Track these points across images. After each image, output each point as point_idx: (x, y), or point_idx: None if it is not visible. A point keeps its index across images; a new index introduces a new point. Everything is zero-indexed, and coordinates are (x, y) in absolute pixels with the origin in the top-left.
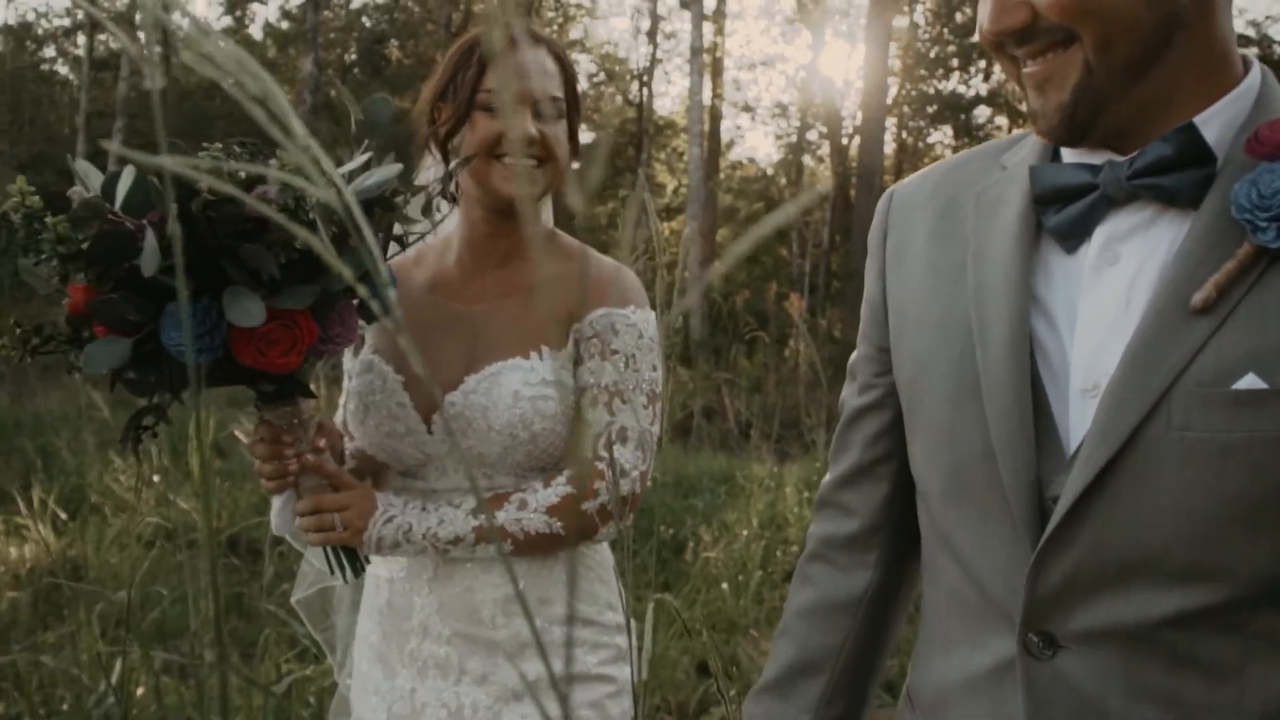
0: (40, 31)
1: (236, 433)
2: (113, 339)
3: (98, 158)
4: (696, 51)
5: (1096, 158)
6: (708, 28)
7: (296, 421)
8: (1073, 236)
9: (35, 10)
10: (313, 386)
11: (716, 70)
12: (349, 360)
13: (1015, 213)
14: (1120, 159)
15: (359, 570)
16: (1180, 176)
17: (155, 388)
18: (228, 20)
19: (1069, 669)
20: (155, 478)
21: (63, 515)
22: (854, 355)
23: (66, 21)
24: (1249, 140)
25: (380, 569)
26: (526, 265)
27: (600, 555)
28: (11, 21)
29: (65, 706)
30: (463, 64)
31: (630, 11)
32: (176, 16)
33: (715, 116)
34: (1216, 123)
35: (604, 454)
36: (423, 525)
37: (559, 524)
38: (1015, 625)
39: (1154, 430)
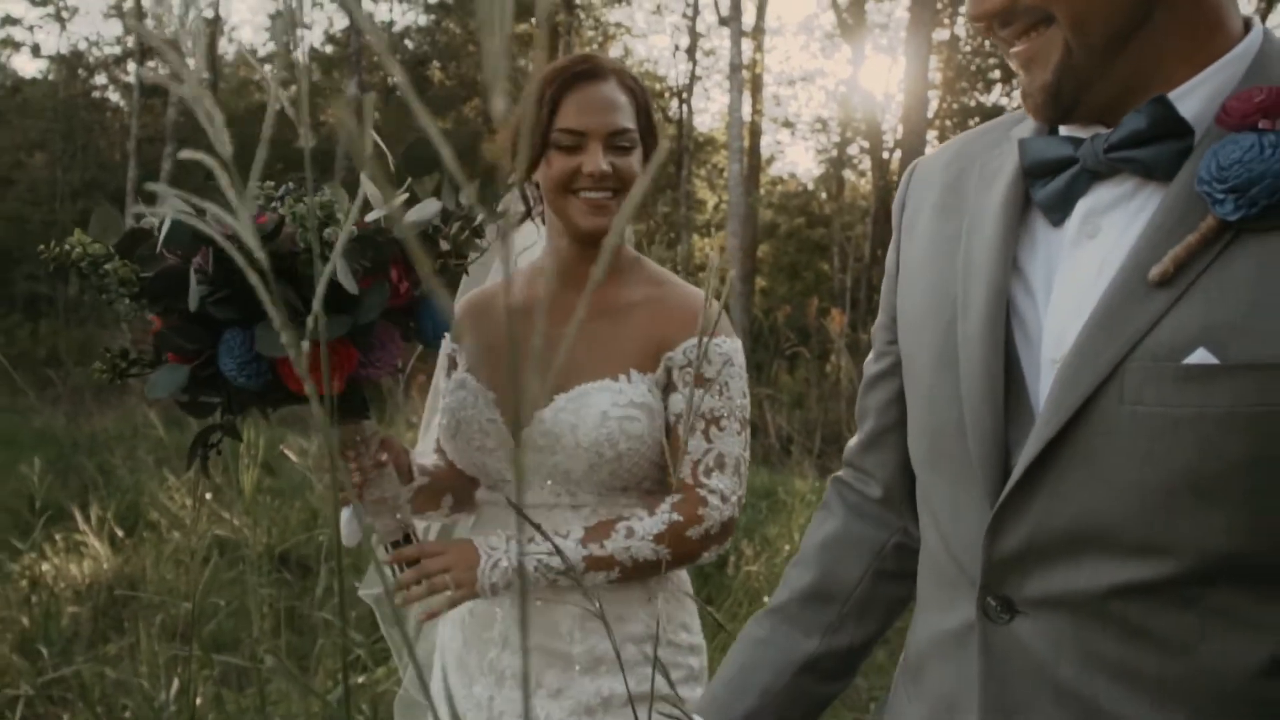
0: (91, 60)
1: (285, 451)
2: (174, 366)
3: (147, 181)
4: (736, 68)
5: (1088, 132)
6: (747, 44)
7: (358, 439)
8: (1057, 209)
9: (86, 39)
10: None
11: (756, 86)
12: (443, 378)
13: (1006, 185)
14: (1105, 132)
15: None
16: (1157, 149)
17: (215, 410)
18: (273, 46)
19: (1024, 634)
20: (208, 495)
21: (119, 532)
22: (875, 323)
23: (117, 49)
24: (1219, 112)
25: None
26: (614, 289)
27: (678, 576)
28: (64, 50)
29: (128, 715)
30: (536, 104)
31: (669, 29)
32: (224, 42)
33: (755, 132)
34: (1202, 92)
35: (704, 480)
36: (533, 559)
37: (666, 551)
38: (976, 589)
39: (1106, 402)
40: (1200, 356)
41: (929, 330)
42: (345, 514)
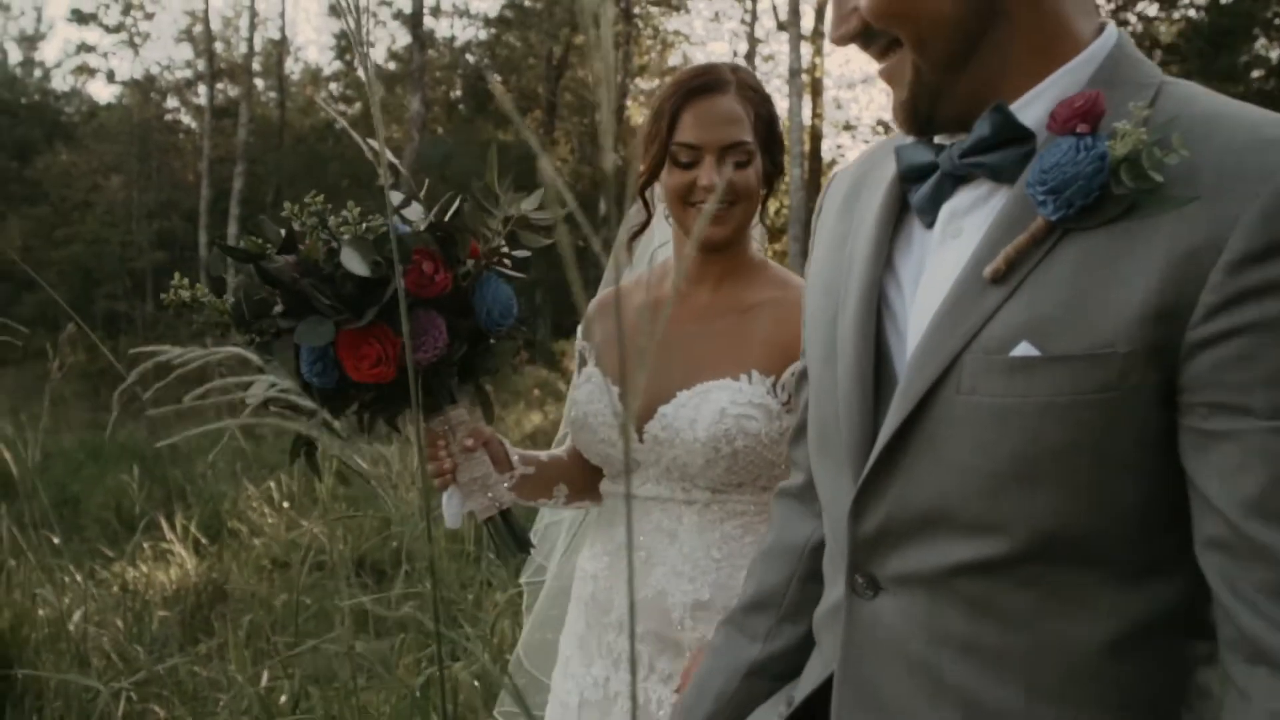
0: (163, 83)
1: (357, 460)
2: (320, 318)
3: (219, 200)
4: (795, 73)
5: (953, 139)
6: (806, 49)
7: (447, 428)
8: (927, 211)
9: (158, 64)
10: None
11: (816, 90)
12: (577, 373)
13: (886, 189)
14: (962, 139)
15: (526, 548)
16: (1003, 154)
17: (305, 412)
18: (338, 65)
19: (884, 610)
20: (285, 504)
21: (203, 540)
22: None
23: (188, 73)
24: (1049, 117)
25: (588, 565)
26: (739, 290)
27: None
28: (137, 75)
29: (222, 708)
30: (657, 117)
31: (728, 36)
32: (290, 62)
33: (816, 137)
34: (1045, 98)
35: None
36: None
37: None
38: (846, 567)
39: (945, 393)
40: (1024, 349)
41: (820, 326)
42: (445, 496)
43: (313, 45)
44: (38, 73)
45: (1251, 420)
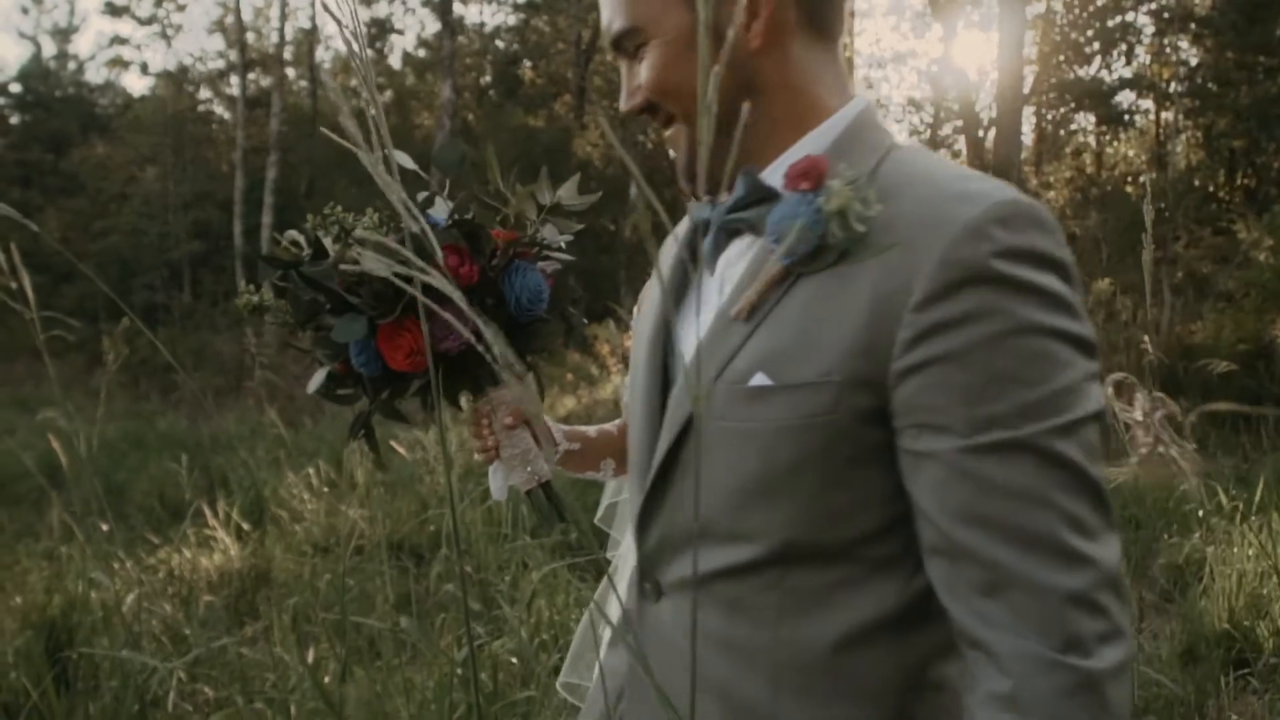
0: (196, 75)
1: (395, 446)
2: (355, 315)
3: (254, 190)
4: None
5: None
6: None
7: (489, 407)
8: (709, 261)
9: (191, 55)
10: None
11: (847, 70)
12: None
13: (684, 239)
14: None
15: (565, 519)
16: (757, 211)
17: (357, 398)
18: (369, 53)
19: (663, 613)
20: (325, 489)
21: (246, 526)
22: None
23: (220, 64)
24: (784, 177)
25: (626, 539)
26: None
27: None
28: (170, 67)
29: (269, 686)
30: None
31: None
32: (320, 50)
33: None
34: (790, 161)
35: None
36: None
37: None
38: (637, 575)
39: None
40: (759, 379)
41: (634, 365)
42: (491, 470)
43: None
44: (72, 66)
45: (952, 439)
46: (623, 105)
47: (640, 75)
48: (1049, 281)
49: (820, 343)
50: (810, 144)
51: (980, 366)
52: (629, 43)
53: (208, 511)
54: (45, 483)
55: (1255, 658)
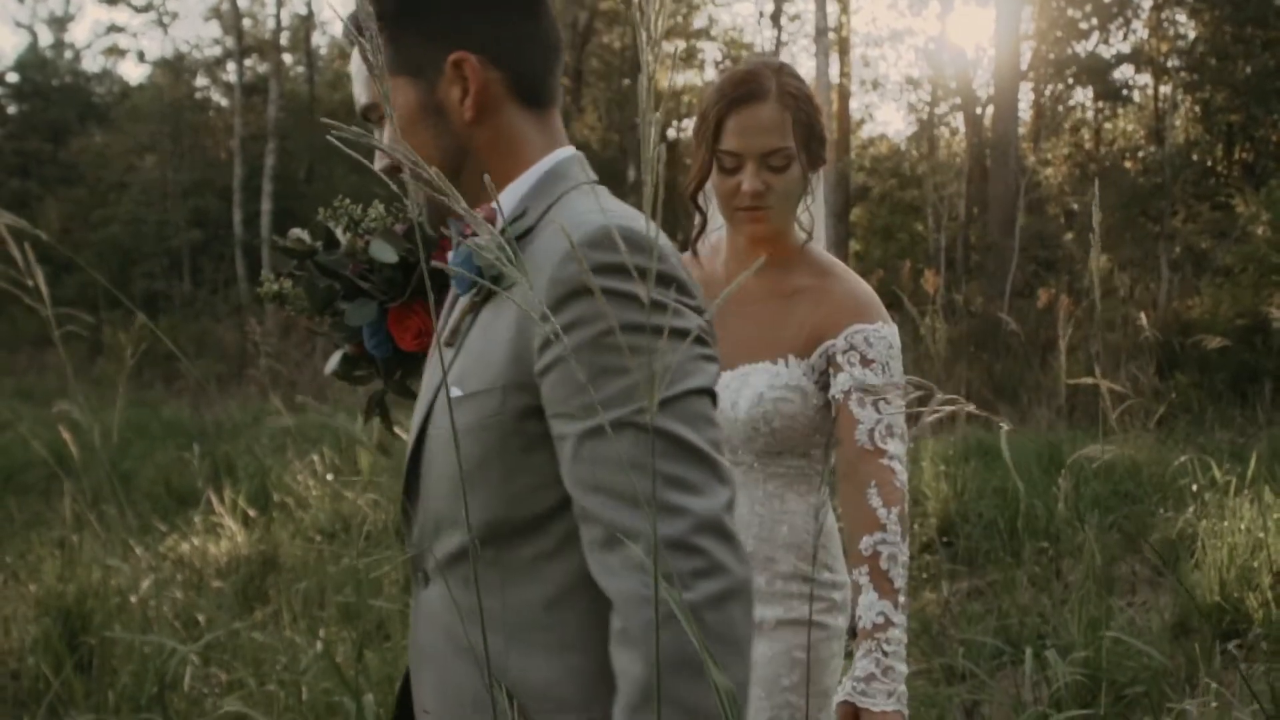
0: (193, 62)
1: (398, 432)
2: (365, 300)
3: (253, 177)
4: (822, 32)
5: None
6: (832, 7)
7: None
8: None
9: (187, 42)
10: None
11: (843, 49)
12: None
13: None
14: None
15: None
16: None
17: (371, 378)
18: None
19: (430, 594)
20: (329, 476)
21: (251, 513)
22: None
23: (217, 51)
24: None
25: None
26: (780, 276)
27: (829, 521)
28: (167, 55)
29: (281, 669)
30: (703, 123)
31: None
32: (317, 35)
33: (844, 96)
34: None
35: (883, 446)
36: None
37: (903, 535)
38: (412, 566)
39: (429, 428)
40: (455, 392)
41: None
42: None
43: (337, 20)
44: (68, 54)
45: (574, 423)
46: (376, 165)
47: (384, 141)
48: (634, 288)
49: (489, 358)
50: (509, 194)
51: (586, 363)
52: (372, 115)
53: (214, 499)
54: (59, 471)
55: (1246, 629)
